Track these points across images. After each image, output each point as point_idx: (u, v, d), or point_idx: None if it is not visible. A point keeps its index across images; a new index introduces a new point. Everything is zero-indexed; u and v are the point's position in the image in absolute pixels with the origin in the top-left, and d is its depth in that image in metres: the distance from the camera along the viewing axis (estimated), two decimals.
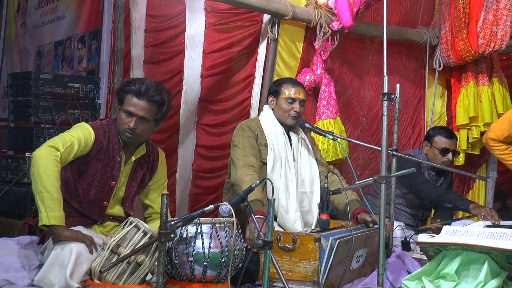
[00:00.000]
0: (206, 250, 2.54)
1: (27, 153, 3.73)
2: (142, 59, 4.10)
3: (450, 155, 4.10)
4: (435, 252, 2.78)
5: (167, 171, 3.23)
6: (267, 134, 3.38)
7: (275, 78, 4.02)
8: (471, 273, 2.64)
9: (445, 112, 5.15)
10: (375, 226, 3.23)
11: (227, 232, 2.60)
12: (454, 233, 2.78)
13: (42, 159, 2.64)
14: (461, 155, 4.98)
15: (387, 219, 3.37)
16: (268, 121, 3.44)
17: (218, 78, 4.13)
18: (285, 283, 2.40)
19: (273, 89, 3.52)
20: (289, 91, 3.43)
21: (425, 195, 3.93)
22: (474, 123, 4.87)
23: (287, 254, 2.86)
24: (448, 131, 4.22)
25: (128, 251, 2.49)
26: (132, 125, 2.85)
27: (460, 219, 4.27)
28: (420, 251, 3.45)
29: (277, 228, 3.21)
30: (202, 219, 2.58)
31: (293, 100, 3.42)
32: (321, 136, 3.83)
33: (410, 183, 3.98)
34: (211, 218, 2.60)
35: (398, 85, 3.43)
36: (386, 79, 2.96)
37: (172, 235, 2.28)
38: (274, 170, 3.30)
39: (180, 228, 2.54)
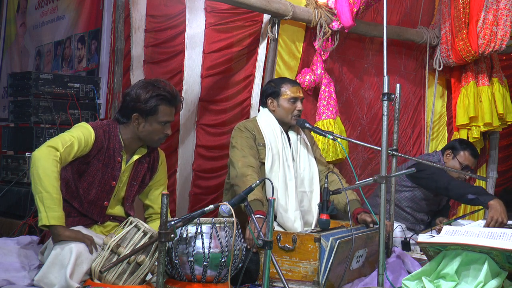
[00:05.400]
0: (206, 250, 2.54)
1: (27, 153, 3.73)
2: (142, 59, 4.10)
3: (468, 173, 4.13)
4: (435, 252, 2.78)
5: (167, 171, 3.23)
6: (264, 133, 3.38)
7: None
8: (471, 273, 2.64)
9: (445, 112, 5.15)
10: (375, 226, 3.23)
11: (227, 232, 2.60)
12: (454, 233, 2.78)
13: (41, 159, 2.63)
14: None
15: (387, 219, 3.37)
16: (266, 121, 3.44)
17: (218, 78, 4.12)
18: (285, 283, 2.40)
19: (271, 91, 3.48)
20: (290, 91, 3.43)
21: (454, 191, 3.85)
22: (474, 123, 4.87)
23: (287, 254, 2.86)
24: (475, 150, 4.24)
25: (128, 251, 2.49)
26: (170, 131, 2.96)
27: (457, 219, 4.27)
28: (420, 251, 3.45)
29: (276, 227, 3.21)
30: (202, 219, 2.58)
31: (295, 99, 3.43)
32: (321, 136, 3.83)
33: (438, 185, 3.91)
34: (211, 218, 2.60)
35: (398, 85, 3.43)
36: (386, 79, 2.96)
37: (172, 235, 2.29)
38: (273, 169, 3.30)
39: (180, 228, 2.54)
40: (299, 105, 3.44)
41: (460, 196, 3.84)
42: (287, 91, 3.43)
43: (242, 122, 3.47)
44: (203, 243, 2.55)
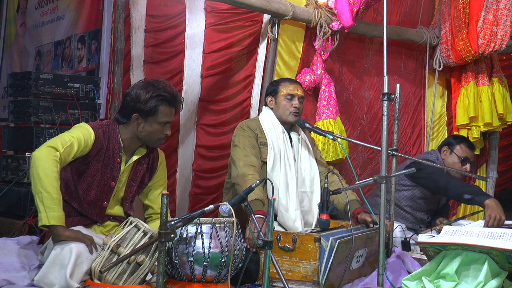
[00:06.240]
0: (206, 250, 2.54)
1: (27, 153, 3.73)
2: (142, 59, 4.10)
3: (468, 166, 4.12)
4: (435, 252, 2.78)
5: (167, 171, 3.23)
6: (267, 133, 3.39)
7: (275, 78, 4.02)
8: (471, 273, 2.64)
9: (445, 112, 5.15)
10: (375, 226, 3.23)
11: (227, 232, 2.60)
12: (454, 233, 2.78)
13: (41, 159, 2.63)
14: None
15: (387, 219, 3.37)
16: (268, 121, 3.45)
17: (218, 78, 4.13)
18: (285, 283, 2.40)
19: (270, 89, 3.55)
20: (287, 88, 3.47)
21: (452, 191, 3.85)
22: (474, 123, 4.87)
23: (287, 254, 2.86)
24: (471, 142, 4.26)
25: (128, 251, 2.49)
26: (169, 132, 2.96)
27: (457, 219, 4.27)
28: (420, 251, 3.45)
29: (277, 227, 3.22)
30: (202, 219, 2.58)
31: (292, 96, 3.44)
32: (321, 136, 3.83)
33: (437, 185, 3.92)
34: (211, 218, 2.60)
35: (398, 85, 3.43)
36: (386, 79, 2.96)
37: (172, 235, 2.29)
38: (274, 169, 3.30)
39: (180, 228, 2.54)
40: (295, 103, 3.45)
41: (457, 196, 3.84)
42: (284, 88, 3.47)
43: (245, 121, 3.49)
44: (203, 243, 2.55)
